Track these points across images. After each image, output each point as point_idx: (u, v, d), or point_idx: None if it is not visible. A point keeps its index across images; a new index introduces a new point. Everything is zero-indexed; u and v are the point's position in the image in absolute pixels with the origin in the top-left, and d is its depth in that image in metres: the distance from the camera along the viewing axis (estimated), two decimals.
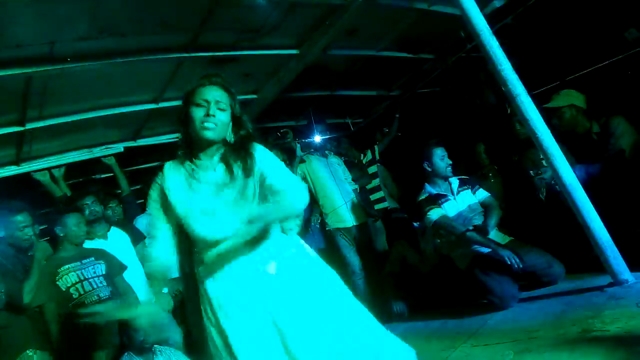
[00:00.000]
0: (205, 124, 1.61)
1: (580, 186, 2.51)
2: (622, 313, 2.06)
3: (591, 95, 3.29)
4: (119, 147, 4.41)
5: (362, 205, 4.26)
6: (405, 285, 3.93)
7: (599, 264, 2.49)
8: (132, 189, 4.24)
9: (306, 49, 3.73)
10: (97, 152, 4.33)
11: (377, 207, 4.71)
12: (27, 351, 2.73)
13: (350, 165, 4.57)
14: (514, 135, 3.56)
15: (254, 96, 4.33)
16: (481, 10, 2.75)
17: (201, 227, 1.62)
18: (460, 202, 3.37)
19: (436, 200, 3.35)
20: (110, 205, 3.90)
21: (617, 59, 3.57)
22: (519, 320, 2.53)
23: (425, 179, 3.51)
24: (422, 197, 3.42)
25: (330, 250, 4.09)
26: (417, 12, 3.71)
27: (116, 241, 3.53)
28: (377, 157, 4.84)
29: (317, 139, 4.35)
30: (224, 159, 1.67)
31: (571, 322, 2.18)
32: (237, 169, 1.64)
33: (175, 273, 1.92)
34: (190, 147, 1.69)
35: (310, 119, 4.51)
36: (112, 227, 3.61)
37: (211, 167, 1.67)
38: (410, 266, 4.03)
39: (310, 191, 4.13)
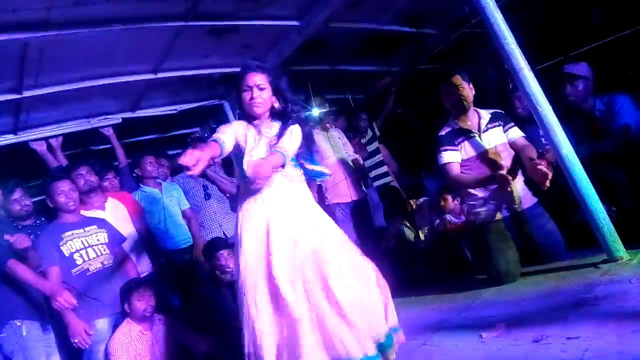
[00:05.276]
0: (253, 105, 2.20)
1: (579, 162, 2.51)
2: (615, 289, 2.08)
3: (596, 72, 3.24)
4: (117, 119, 4.38)
5: (361, 181, 4.26)
6: (400, 261, 3.96)
7: (595, 241, 2.50)
8: (128, 161, 4.22)
9: (307, 20, 3.66)
10: (96, 122, 4.30)
11: (378, 182, 4.72)
12: (15, 321, 2.66)
13: (351, 139, 4.56)
14: (514, 111, 3.50)
15: None
16: None
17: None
18: (485, 141, 2.97)
19: (455, 138, 3.00)
20: (107, 176, 3.89)
21: (620, 35, 3.52)
22: (512, 294, 2.56)
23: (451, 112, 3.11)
24: (442, 132, 3.06)
25: None
26: None
27: (114, 212, 3.53)
28: (377, 133, 4.82)
29: (316, 112, 4.31)
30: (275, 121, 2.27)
31: (564, 297, 2.20)
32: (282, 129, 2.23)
33: None
34: (245, 115, 2.27)
35: (309, 93, 4.47)
36: (109, 198, 3.61)
37: (266, 125, 2.24)
38: (406, 242, 4.06)
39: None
